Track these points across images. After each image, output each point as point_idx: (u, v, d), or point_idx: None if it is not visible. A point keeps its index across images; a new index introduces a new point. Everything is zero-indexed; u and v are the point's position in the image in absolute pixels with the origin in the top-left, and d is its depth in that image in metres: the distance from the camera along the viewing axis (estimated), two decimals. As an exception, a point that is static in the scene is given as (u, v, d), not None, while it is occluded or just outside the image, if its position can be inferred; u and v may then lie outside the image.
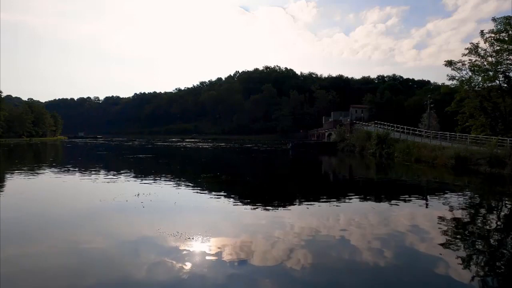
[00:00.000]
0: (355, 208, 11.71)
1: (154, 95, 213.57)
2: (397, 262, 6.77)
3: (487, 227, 9.71)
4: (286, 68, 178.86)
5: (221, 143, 74.40)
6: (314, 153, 43.76)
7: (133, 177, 19.33)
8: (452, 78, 35.25)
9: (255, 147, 60.14)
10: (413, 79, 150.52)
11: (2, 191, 15.06)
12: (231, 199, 13.28)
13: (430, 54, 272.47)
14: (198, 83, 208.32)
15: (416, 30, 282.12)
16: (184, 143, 74.28)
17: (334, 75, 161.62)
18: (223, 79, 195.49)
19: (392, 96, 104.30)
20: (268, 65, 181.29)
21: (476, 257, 7.14)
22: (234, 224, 9.55)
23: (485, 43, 32.69)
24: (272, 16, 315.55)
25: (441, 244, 7.71)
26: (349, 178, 22.51)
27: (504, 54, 31.41)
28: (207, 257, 6.75)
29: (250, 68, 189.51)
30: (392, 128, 39.37)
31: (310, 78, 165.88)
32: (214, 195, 14.00)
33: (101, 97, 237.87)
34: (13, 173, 20.80)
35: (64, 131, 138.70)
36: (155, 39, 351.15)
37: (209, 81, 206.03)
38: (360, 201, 13.15)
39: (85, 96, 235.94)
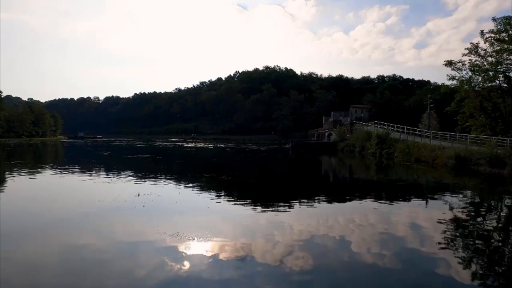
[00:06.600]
0: (355, 209, 11.72)
1: (154, 95, 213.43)
2: (397, 263, 6.78)
3: (487, 227, 9.72)
4: (286, 68, 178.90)
5: (221, 144, 74.36)
6: (314, 153, 43.76)
7: (134, 177, 19.32)
8: (452, 78, 35.28)
9: (255, 147, 60.11)
10: (413, 79, 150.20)
11: (2, 191, 15.08)
12: (231, 199, 13.32)
13: (430, 53, 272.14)
14: (198, 83, 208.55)
15: (416, 29, 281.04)
16: (184, 143, 74.23)
17: (334, 75, 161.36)
18: (223, 79, 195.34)
19: (392, 96, 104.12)
20: (268, 65, 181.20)
21: (476, 257, 7.15)
22: (234, 224, 9.57)
23: (485, 43, 32.75)
24: (271, 15, 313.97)
25: (441, 244, 7.73)
26: (349, 178, 22.50)
27: (504, 54, 31.42)
28: (207, 258, 6.76)
29: (250, 68, 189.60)
30: (392, 128, 39.37)
31: (310, 78, 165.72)
32: (214, 195, 14.03)
33: (101, 97, 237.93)
34: (13, 173, 20.81)
35: (64, 131, 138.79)
36: (155, 38, 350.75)
37: (209, 81, 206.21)
38: (360, 201, 13.15)
39: (85, 96, 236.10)
